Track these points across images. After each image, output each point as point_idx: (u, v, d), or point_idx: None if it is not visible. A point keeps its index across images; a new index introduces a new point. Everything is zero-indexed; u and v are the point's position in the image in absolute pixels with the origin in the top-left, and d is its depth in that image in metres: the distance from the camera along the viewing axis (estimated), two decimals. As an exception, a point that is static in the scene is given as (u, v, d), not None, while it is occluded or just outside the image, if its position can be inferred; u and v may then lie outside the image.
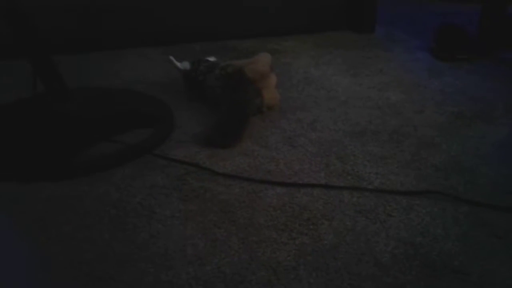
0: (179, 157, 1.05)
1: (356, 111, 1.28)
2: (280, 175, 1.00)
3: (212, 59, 1.40)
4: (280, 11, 1.91)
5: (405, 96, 1.38)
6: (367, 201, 0.92)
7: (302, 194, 0.94)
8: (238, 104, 1.18)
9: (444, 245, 0.81)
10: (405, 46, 1.81)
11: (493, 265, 0.77)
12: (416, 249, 0.80)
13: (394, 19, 2.16)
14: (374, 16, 1.96)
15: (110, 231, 0.83)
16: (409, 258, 0.78)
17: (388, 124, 1.21)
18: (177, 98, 1.34)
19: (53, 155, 1.05)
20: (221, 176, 0.99)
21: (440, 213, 0.89)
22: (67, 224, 0.85)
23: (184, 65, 1.38)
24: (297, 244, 0.81)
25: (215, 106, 1.23)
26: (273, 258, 0.78)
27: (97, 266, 0.76)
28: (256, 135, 1.16)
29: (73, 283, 0.73)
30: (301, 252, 0.79)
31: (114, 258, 0.78)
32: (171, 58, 1.39)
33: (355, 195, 0.94)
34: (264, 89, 1.24)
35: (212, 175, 1.00)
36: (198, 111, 1.27)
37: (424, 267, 0.76)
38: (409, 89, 1.43)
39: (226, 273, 0.75)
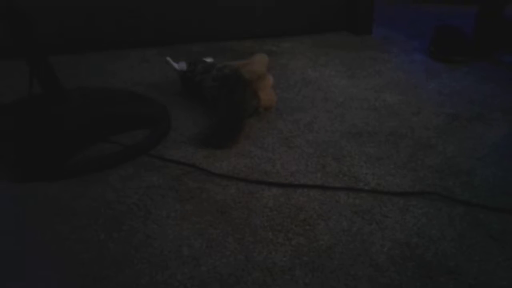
0: (176, 157, 1.06)
1: (353, 113, 1.29)
2: (276, 175, 1.01)
3: (209, 60, 1.40)
4: (278, 12, 1.91)
5: (402, 97, 1.39)
6: (363, 202, 0.92)
7: (298, 194, 0.94)
8: (235, 105, 1.18)
9: (439, 246, 0.81)
10: (402, 48, 1.81)
11: (489, 266, 0.77)
12: (412, 250, 0.80)
13: (391, 20, 2.17)
14: (371, 17, 1.96)
15: (106, 232, 0.83)
16: (404, 259, 0.78)
17: (384, 125, 1.22)
18: (174, 99, 1.34)
19: (48, 155, 1.05)
20: (217, 176, 1.00)
21: (436, 214, 0.89)
22: (62, 225, 0.85)
23: (181, 65, 1.38)
24: (293, 244, 0.81)
25: (212, 107, 1.23)
26: (269, 259, 0.78)
27: (93, 266, 0.76)
28: (252, 136, 1.16)
29: (69, 283, 0.73)
30: (297, 252, 0.79)
31: (110, 259, 0.78)
32: (168, 58, 1.40)
33: (351, 196, 0.94)
34: (261, 90, 1.24)
35: (209, 176, 1.00)
36: (194, 112, 1.27)
37: (420, 268, 0.77)
38: (406, 91, 1.43)
39: (222, 273, 0.75)
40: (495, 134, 1.18)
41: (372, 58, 1.69)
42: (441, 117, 1.27)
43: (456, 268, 0.77)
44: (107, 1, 1.69)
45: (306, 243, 0.81)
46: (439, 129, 1.20)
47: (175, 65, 1.39)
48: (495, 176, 1.00)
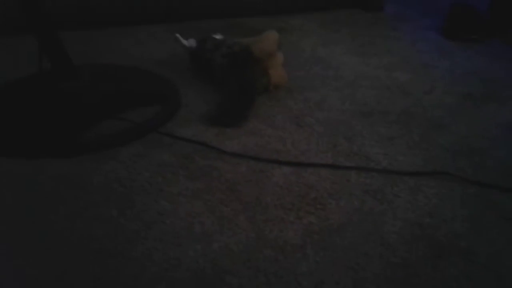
0: (186, 135, 1.05)
1: (364, 91, 1.27)
2: (287, 154, 1.00)
3: (218, 36, 1.38)
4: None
5: (414, 76, 1.36)
6: (374, 181, 0.92)
7: (309, 173, 0.94)
8: (245, 83, 1.17)
9: (451, 226, 0.81)
10: (415, 26, 1.78)
11: (500, 247, 0.77)
12: (423, 229, 0.80)
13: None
14: (383, -6, 1.92)
15: (118, 209, 0.84)
16: (416, 239, 0.78)
17: (396, 104, 1.20)
18: (184, 76, 1.33)
19: (60, 132, 1.04)
20: (228, 155, 0.99)
21: (448, 194, 0.88)
22: (75, 201, 0.86)
23: (191, 42, 1.36)
24: (304, 223, 0.81)
25: (222, 85, 1.22)
26: (280, 237, 0.78)
27: (107, 243, 0.77)
28: (263, 115, 1.15)
29: (83, 259, 0.74)
30: (308, 231, 0.80)
31: (123, 235, 0.78)
32: (177, 35, 1.38)
33: (362, 175, 0.94)
34: (271, 68, 1.23)
35: (219, 154, 1.00)
36: (204, 89, 1.26)
37: (431, 247, 0.77)
38: (418, 69, 1.41)
39: (234, 250, 0.76)
40: (508, 113, 1.16)
41: (383, 36, 1.66)
42: (453, 96, 1.25)
43: (467, 248, 0.77)
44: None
45: (317, 222, 0.81)
46: (451, 109, 1.18)
47: (185, 42, 1.37)
48: (508, 157, 0.99)
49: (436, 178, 0.93)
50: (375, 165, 0.96)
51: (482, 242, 0.78)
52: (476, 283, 0.71)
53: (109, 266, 0.73)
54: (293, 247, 0.76)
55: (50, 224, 0.80)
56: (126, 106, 1.13)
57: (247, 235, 0.79)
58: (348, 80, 1.34)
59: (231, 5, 1.85)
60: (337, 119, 1.13)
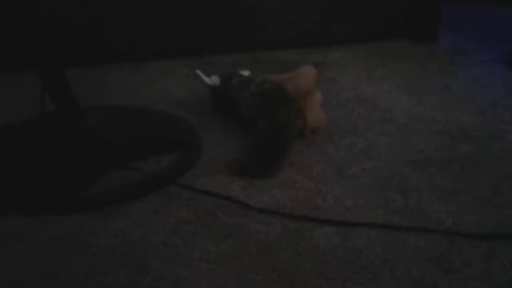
0: (208, 188, 1.06)
1: (419, 136, 1.27)
2: (328, 211, 1.00)
3: (245, 73, 1.42)
4: (325, 17, 1.93)
5: (478, 118, 1.36)
6: (437, 245, 0.90)
7: (356, 235, 0.93)
8: (277, 126, 1.18)
9: (536, 302, 0.78)
10: (477, 58, 1.79)
11: None
12: (502, 307, 0.77)
13: (462, 26, 2.15)
14: (438, 22, 1.95)
15: (129, 276, 0.84)
16: (493, 318, 0.75)
17: (459, 152, 1.20)
18: (205, 119, 1.36)
19: (63, 185, 1.07)
20: (258, 211, 0.99)
21: (530, 263, 0.86)
22: (79, 267, 0.86)
23: (213, 80, 1.40)
24: (353, 296, 0.80)
25: (250, 128, 1.24)
26: (324, 314, 0.77)
27: (114, 317, 0.77)
28: (298, 163, 1.16)
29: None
30: (358, 307, 0.78)
31: (134, 308, 0.78)
32: (198, 72, 1.42)
33: (422, 238, 0.92)
34: (308, 109, 1.25)
35: (247, 210, 1.00)
36: (229, 133, 1.29)
37: (513, 330, 0.73)
38: (483, 110, 1.41)
39: (267, 330, 0.74)
40: None
41: (439, 71, 1.68)
42: (529, 142, 1.24)
43: (559, 331, 0.73)
44: (126, 7, 1.75)
45: (369, 295, 0.80)
46: (527, 157, 1.17)
47: (206, 79, 1.41)
48: None
49: (513, 242, 0.90)
50: (437, 226, 0.95)
51: None
52: None
53: None
54: (339, 326, 0.75)
55: (49, 294, 0.81)
56: (139, 154, 1.16)
57: (283, 310, 0.77)
58: (399, 122, 1.34)
59: (259, 36, 1.90)
60: (388, 169, 1.13)
